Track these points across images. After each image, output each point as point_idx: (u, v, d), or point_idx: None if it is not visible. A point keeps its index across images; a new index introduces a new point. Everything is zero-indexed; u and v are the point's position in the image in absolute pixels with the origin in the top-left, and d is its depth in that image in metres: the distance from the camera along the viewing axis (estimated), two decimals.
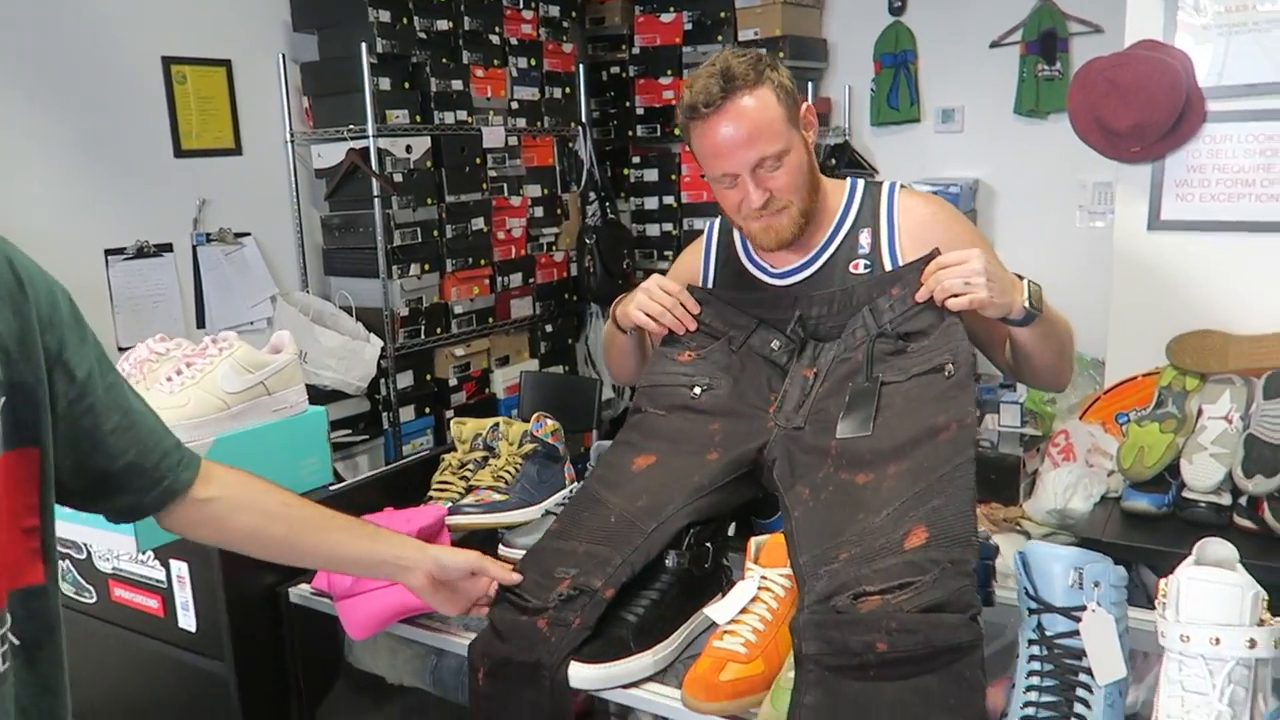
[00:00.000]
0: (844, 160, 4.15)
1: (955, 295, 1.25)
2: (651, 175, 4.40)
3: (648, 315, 1.46)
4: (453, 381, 3.74)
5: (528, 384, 3.34)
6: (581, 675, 1.11)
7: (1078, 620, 0.96)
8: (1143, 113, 2.09)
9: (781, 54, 4.04)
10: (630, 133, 4.43)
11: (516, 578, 1.23)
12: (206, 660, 1.45)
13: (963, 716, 0.90)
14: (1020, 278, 1.30)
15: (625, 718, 1.48)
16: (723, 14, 4.16)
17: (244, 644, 1.44)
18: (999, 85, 3.87)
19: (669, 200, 4.37)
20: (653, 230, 4.42)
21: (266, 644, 1.47)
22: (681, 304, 1.47)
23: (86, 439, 0.96)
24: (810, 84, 4.02)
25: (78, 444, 0.96)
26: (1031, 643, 0.98)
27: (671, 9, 4.29)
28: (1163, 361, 2.14)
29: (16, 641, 0.88)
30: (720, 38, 4.17)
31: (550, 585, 1.21)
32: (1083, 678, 0.94)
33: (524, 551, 1.41)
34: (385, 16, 3.38)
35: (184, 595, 1.45)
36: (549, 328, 4.19)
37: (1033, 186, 3.86)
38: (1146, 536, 1.89)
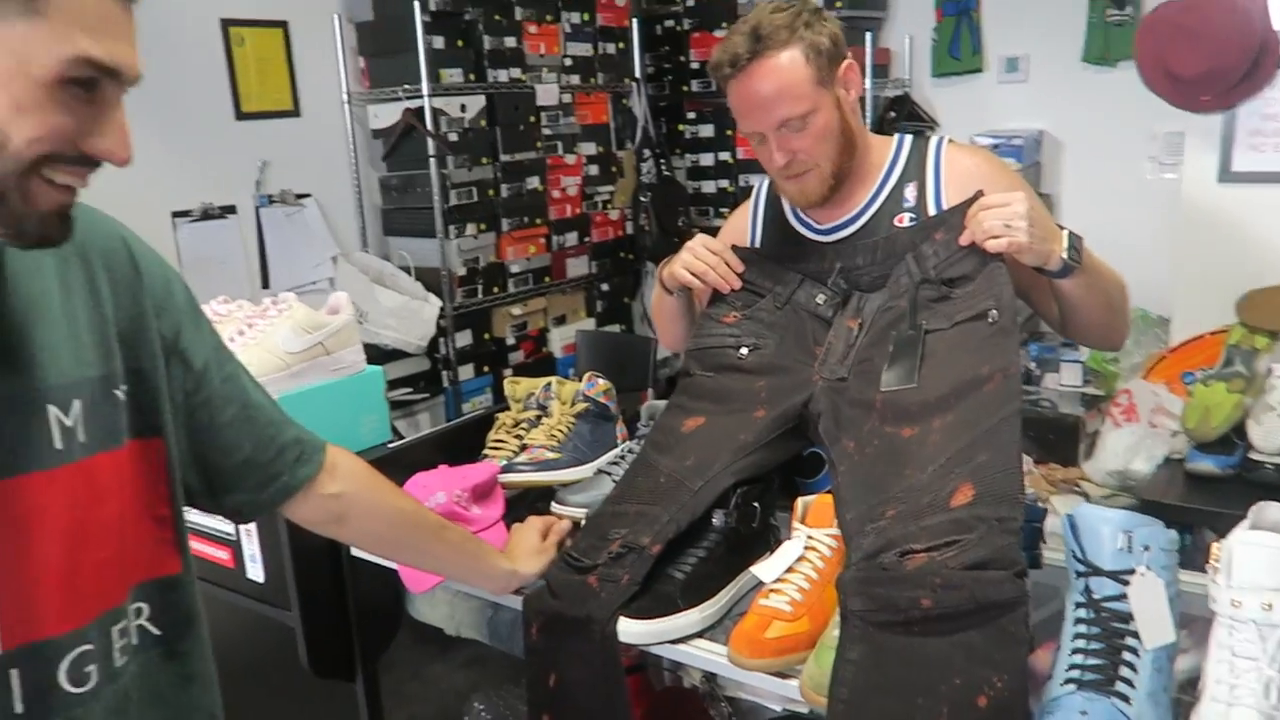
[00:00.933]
0: (903, 113, 4.06)
1: (994, 237, 1.24)
2: (707, 131, 4.35)
3: (692, 274, 1.47)
4: (510, 340, 3.78)
5: (583, 343, 3.37)
6: (630, 630, 1.14)
7: (1126, 584, 0.95)
8: (1213, 59, 2.01)
9: (839, 3, 3.95)
10: (685, 88, 4.38)
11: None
12: (275, 610, 1.52)
13: (1005, 670, 0.91)
14: (1062, 228, 1.27)
15: (677, 672, 1.51)
16: None
17: (309, 595, 1.50)
18: (1066, 32, 3.73)
19: (725, 156, 4.32)
20: (708, 187, 4.38)
21: (331, 595, 1.53)
22: (725, 262, 1.47)
23: (203, 432, 0.95)
24: (868, 34, 3.91)
25: (194, 438, 0.95)
26: (1078, 605, 0.98)
27: None
28: (1231, 319, 2.07)
29: (157, 632, 0.89)
30: None
31: (603, 547, 1.23)
32: (1129, 641, 0.94)
33: (577, 509, 1.44)
34: None
35: (252, 547, 1.52)
36: (605, 286, 4.21)
37: (1101, 137, 3.74)
38: (1210, 499, 1.85)
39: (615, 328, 4.24)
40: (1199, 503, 1.84)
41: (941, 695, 0.91)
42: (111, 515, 0.84)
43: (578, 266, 4.03)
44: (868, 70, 3.92)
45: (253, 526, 1.50)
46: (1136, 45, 2.16)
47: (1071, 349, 3.04)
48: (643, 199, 4.16)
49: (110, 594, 0.85)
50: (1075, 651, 0.95)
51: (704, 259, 1.46)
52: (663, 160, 4.26)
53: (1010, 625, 0.93)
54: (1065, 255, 1.25)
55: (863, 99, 3.91)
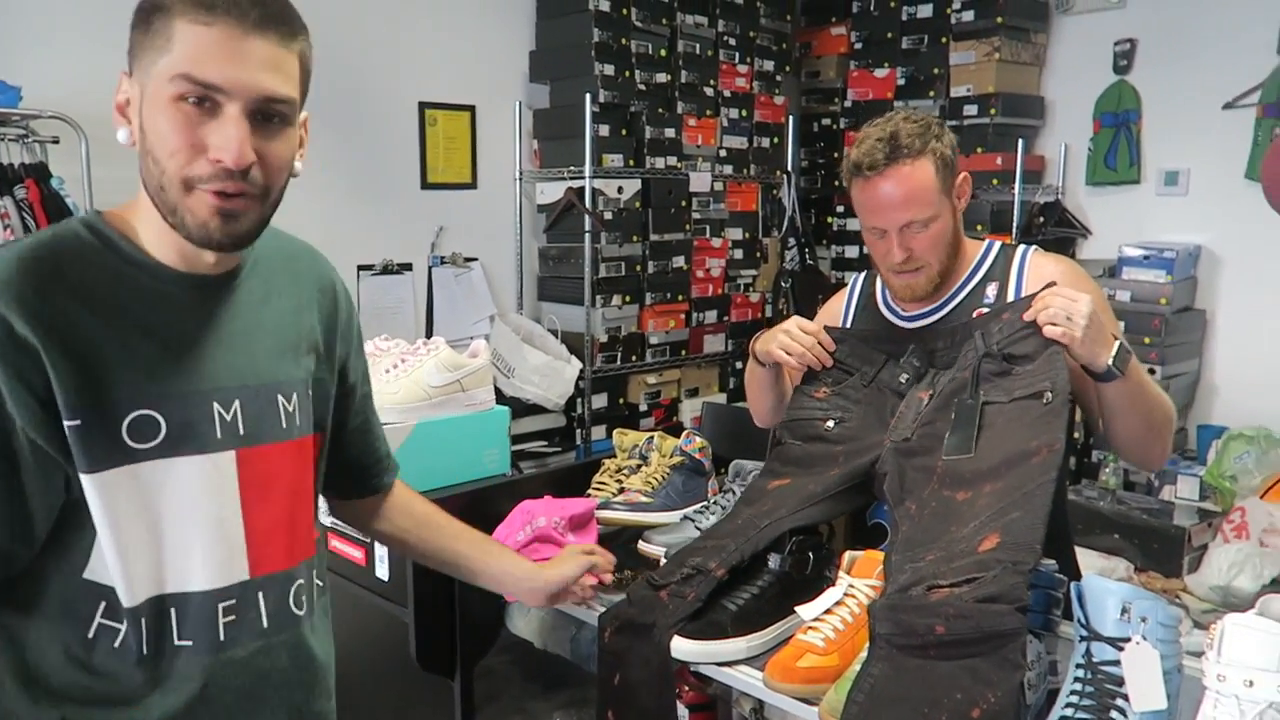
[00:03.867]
0: (1053, 218, 4.09)
1: (1053, 324, 1.34)
2: (854, 224, 4.48)
3: (788, 354, 1.62)
4: (643, 406, 4.00)
5: (709, 415, 3.53)
6: (681, 648, 1.29)
7: (1122, 650, 1.04)
8: None
9: (993, 110, 4.06)
10: (836, 182, 4.56)
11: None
12: (394, 606, 1.74)
13: (1000, 688, 1.03)
14: (1116, 338, 1.36)
15: (730, 701, 1.64)
16: (936, 70, 4.23)
17: (424, 597, 1.71)
18: (1229, 148, 3.71)
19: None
20: (851, 279, 4.50)
21: (442, 600, 1.74)
22: (819, 343, 1.62)
23: (336, 432, 1.21)
24: (1021, 141, 4.00)
25: (330, 435, 1.19)
26: (1078, 666, 1.06)
27: (885, 65, 4.41)
28: None
29: (320, 582, 1.16)
30: (932, 93, 4.25)
31: (677, 571, 1.41)
32: (1119, 702, 1.02)
33: (660, 548, 1.61)
34: (609, 70, 3.74)
35: (381, 549, 1.76)
36: (739, 364, 4.38)
37: (1262, 255, 3.68)
38: None
39: (745, 405, 4.38)
40: None
41: (943, 706, 1.03)
42: (310, 482, 1.12)
43: (714, 343, 4.23)
44: (1018, 176, 4.00)
45: None
46: (1264, 167, 2.19)
47: (1194, 463, 2.97)
48: (784, 284, 4.34)
49: (309, 545, 1.12)
50: (1068, 705, 1.04)
51: (800, 341, 1.60)
52: (807, 249, 4.43)
53: (1010, 653, 1.05)
54: (1111, 362, 1.34)
55: (1011, 203, 4.00)
